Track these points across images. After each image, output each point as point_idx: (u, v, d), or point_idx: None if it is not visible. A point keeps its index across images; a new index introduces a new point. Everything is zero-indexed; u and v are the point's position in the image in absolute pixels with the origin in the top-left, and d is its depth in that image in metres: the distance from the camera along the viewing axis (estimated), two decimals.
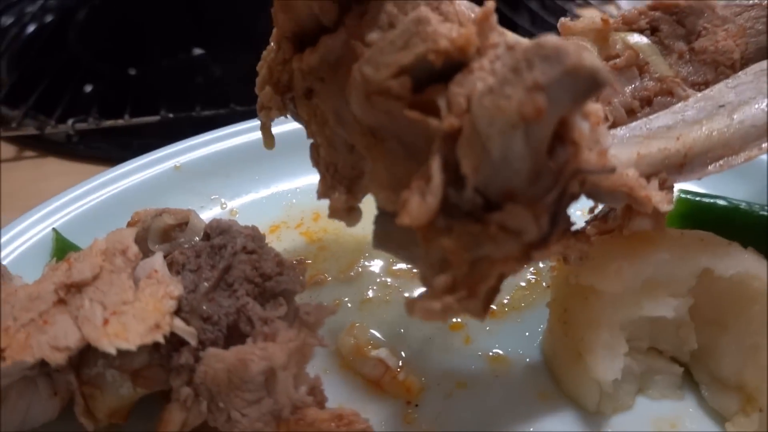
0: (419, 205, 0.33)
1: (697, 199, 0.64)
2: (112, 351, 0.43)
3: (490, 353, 0.56)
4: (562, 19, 0.58)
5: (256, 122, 0.67)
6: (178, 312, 0.48)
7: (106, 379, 0.46)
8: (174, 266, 0.52)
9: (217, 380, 0.45)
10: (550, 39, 0.30)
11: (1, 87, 1.05)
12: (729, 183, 0.68)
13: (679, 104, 0.50)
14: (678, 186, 0.58)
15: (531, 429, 0.50)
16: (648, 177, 0.41)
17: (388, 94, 0.36)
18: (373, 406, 0.52)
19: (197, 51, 1.12)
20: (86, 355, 0.46)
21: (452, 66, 0.34)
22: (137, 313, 0.45)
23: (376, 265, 0.66)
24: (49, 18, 1.32)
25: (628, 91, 0.54)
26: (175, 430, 0.46)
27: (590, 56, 0.30)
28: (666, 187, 0.43)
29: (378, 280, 0.64)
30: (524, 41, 0.33)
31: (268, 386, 0.46)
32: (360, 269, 0.66)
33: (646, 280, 0.50)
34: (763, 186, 0.68)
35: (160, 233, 0.56)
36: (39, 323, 0.44)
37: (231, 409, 0.45)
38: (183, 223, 0.57)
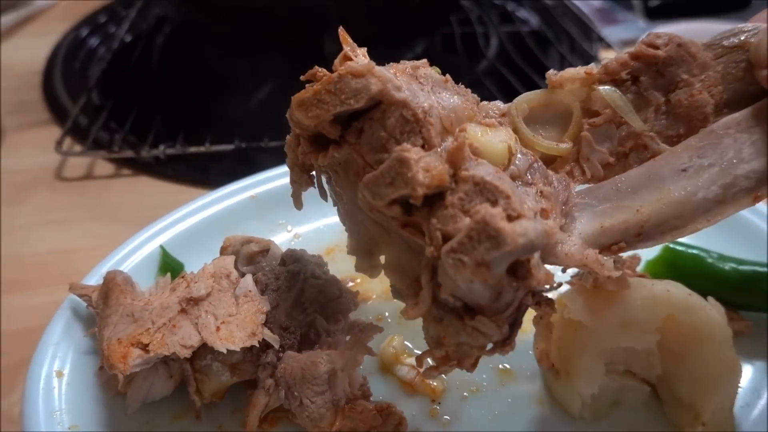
0: (414, 309, 0.45)
1: (679, 249, 0.78)
2: (224, 350, 0.59)
3: (500, 366, 0.72)
4: (549, 73, 0.58)
5: None
6: (266, 323, 0.64)
7: (212, 369, 0.63)
8: (259, 285, 0.69)
9: (293, 375, 0.62)
10: (494, 219, 0.39)
11: (97, 111, 1.22)
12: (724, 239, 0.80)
13: (649, 163, 0.53)
14: None
15: (530, 429, 0.65)
16: (609, 246, 0.50)
17: (384, 215, 0.44)
18: (406, 402, 0.67)
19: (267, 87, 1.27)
20: (198, 350, 0.63)
21: (434, 195, 0.42)
22: (240, 323, 0.62)
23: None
24: (128, 38, 1.49)
25: (605, 148, 0.56)
26: (260, 409, 0.63)
27: (528, 228, 0.38)
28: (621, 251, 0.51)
29: None
30: (488, 179, 0.41)
31: (330, 382, 0.62)
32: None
33: (622, 320, 0.64)
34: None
35: (247, 258, 0.73)
36: (170, 327, 0.61)
37: (303, 397, 0.61)
38: (265, 250, 0.73)
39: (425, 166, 0.42)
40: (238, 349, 0.60)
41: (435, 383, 0.69)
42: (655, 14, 1.46)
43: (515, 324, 0.45)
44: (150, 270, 0.79)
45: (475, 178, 0.42)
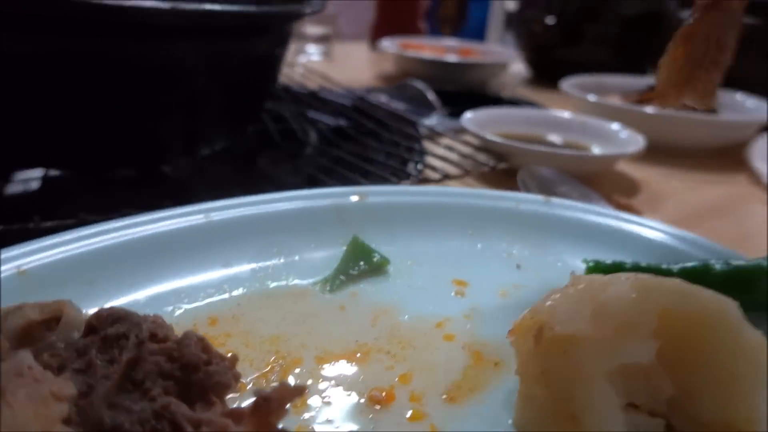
0: None
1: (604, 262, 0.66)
2: None
3: None
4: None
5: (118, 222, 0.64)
6: (68, 422, 0.32)
7: None
8: (47, 368, 0.37)
9: None
10: None
11: None
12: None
13: None
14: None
15: None
16: None
17: None
18: None
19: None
20: None
21: None
22: (9, 425, 0.29)
23: (300, 358, 0.54)
24: None
25: None
26: None
27: None
28: None
29: (311, 375, 0.53)
30: None
31: None
32: (279, 369, 0.53)
33: (616, 325, 0.47)
34: None
35: (19, 334, 0.40)
36: None
37: None
38: (53, 317, 0.42)
39: None
40: None
41: None
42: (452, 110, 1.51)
43: None
44: None
45: None
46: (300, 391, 0.36)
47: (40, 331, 0.41)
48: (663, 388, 0.50)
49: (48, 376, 0.33)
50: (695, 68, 0.52)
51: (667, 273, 0.64)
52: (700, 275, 0.63)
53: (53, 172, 0.99)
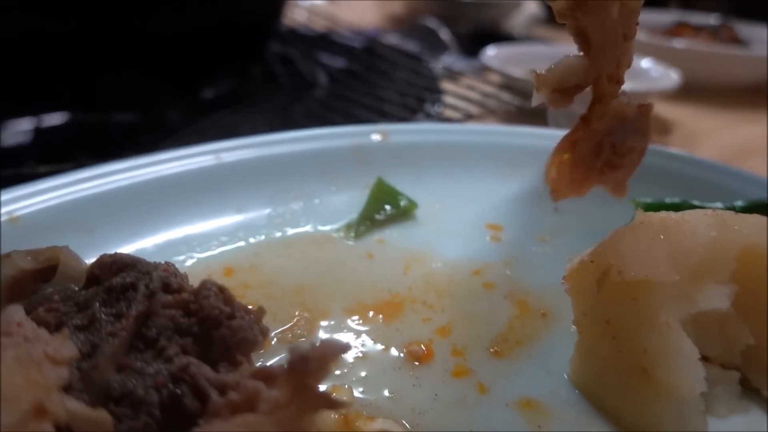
0: None
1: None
2: None
3: (517, 400, 0.42)
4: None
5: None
6: (68, 389, 0.27)
7: None
8: (44, 324, 0.31)
9: None
10: None
11: None
12: None
13: None
14: None
15: None
16: None
17: None
18: None
19: None
20: None
21: None
22: None
23: (327, 310, 0.49)
24: None
25: None
26: None
27: None
28: None
29: (341, 328, 0.47)
30: None
31: None
32: (305, 323, 0.48)
33: (692, 267, 0.41)
34: None
35: (9, 287, 0.34)
36: None
37: None
38: (49, 267, 0.36)
39: None
40: None
41: None
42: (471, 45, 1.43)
43: None
44: None
45: None
46: (344, 349, 0.30)
47: (33, 283, 0.35)
48: (739, 337, 0.44)
49: (43, 335, 0.28)
50: (588, 170, 0.51)
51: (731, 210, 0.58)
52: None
53: (47, 122, 0.92)
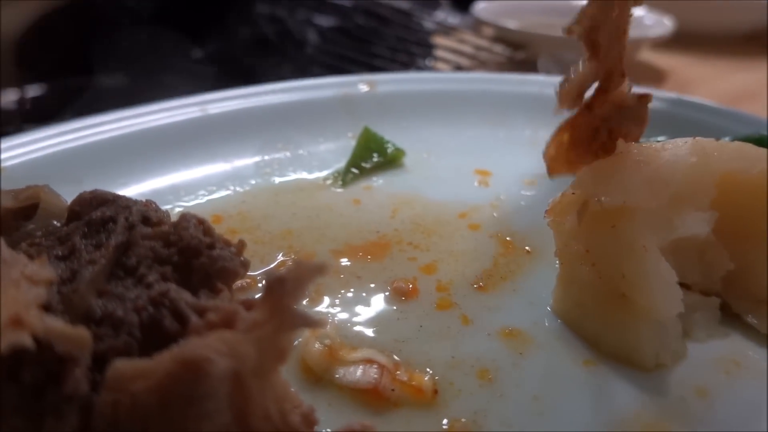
0: None
1: None
2: None
3: (500, 330, 0.43)
4: None
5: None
6: (51, 309, 0.28)
7: None
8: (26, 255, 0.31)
9: (139, 411, 0.26)
10: None
11: None
12: None
13: None
14: None
15: (598, 405, 0.37)
16: None
17: None
18: (384, 427, 0.34)
19: None
20: None
21: None
22: None
23: (314, 252, 0.50)
24: None
25: None
26: None
27: None
28: None
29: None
30: None
31: (233, 404, 0.27)
32: (291, 262, 0.49)
33: (672, 193, 0.41)
34: None
35: None
36: None
37: None
38: (30, 205, 0.36)
39: None
40: None
41: (416, 376, 0.38)
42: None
43: None
44: None
45: None
46: (320, 270, 0.31)
47: (15, 221, 0.35)
48: (719, 264, 0.45)
49: (21, 259, 0.28)
50: (583, 152, 0.52)
51: None
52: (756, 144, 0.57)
53: (31, 93, 0.92)
